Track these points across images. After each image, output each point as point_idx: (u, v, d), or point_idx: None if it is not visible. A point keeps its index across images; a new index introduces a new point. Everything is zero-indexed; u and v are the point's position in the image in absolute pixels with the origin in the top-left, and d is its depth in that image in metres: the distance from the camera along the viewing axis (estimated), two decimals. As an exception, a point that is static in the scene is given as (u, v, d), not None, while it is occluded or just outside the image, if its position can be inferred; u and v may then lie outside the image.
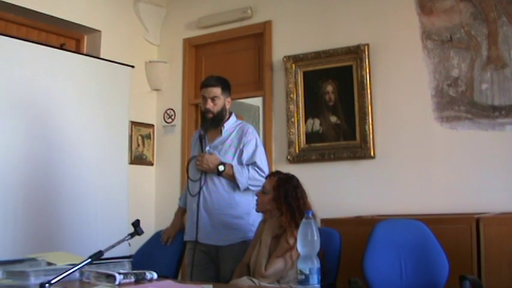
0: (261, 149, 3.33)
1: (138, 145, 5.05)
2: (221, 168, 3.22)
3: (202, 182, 3.29)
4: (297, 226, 2.16)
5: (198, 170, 3.30)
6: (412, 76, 4.04)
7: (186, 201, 3.48)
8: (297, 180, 2.92)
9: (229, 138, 3.34)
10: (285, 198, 2.82)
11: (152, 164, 5.18)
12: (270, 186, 2.91)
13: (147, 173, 5.13)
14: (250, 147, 3.29)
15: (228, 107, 3.40)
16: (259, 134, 3.46)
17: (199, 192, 3.28)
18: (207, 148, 3.35)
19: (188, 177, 3.41)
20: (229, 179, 3.25)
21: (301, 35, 4.55)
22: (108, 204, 4.44)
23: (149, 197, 5.13)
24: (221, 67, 4.86)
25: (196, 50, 5.21)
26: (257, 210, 3.00)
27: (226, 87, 3.38)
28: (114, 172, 4.57)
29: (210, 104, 3.32)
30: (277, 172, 3.05)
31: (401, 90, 4.09)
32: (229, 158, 3.29)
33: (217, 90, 3.33)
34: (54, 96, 4.20)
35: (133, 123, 4.97)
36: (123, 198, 4.61)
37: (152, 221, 4.98)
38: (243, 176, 3.22)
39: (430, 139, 3.95)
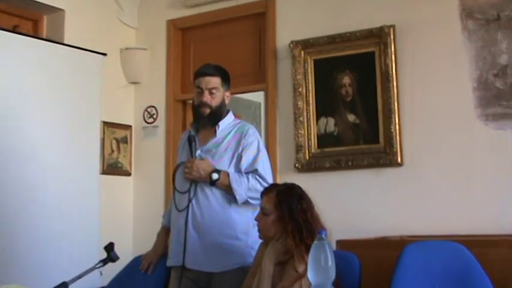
0: (264, 154, 3.34)
1: (112, 151, 5.06)
2: (215, 176, 3.21)
3: (192, 194, 3.28)
4: (307, 248, 2.15)
5: (187, 179, 3.30)
6: (449, 65, 4.04)
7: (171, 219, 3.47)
8: (299, 188, 2.91)
9: (225, 141, 3.35)
10: (290, 214, 2.80)
11: (129, 174, 5.20)
12: (270, 204, 2.89)
13: (123, 185, 5.15)
14: (250, 151, 3.29)
15: (227, 102, 3.42)
16: (260, 137, 3.46)
17: (187, 207, 3.28)
18: (198, 152, 3.34)
19: (174, 188, 3.40)
20: (225, 189, 3.24)
21: (312, 15, 4.56)
22: (75, 224, 4.44)
23: (126, 215, 5.14)
24: (214, 55, 4.86)
25: (183, 33, 5.24)
26: (261, 238, 2.98)
27: (226, 78, 3.41)
28: (82, 184, 4.58)
29: (207, 97, 3.33)
30: (274, 185, 3.06)
31: (435, 82, 4.09)
32: (225, 164, 3.29)
33: (216, 81, 3.35)
34: (6, 91, 4.18)
35: (106, 124, 4.99)
36: (94, 215, 4.62)
37: (129, 244, 5.01)
38: (242, 186, 3.22)
39: (472, 142, 3.95)
